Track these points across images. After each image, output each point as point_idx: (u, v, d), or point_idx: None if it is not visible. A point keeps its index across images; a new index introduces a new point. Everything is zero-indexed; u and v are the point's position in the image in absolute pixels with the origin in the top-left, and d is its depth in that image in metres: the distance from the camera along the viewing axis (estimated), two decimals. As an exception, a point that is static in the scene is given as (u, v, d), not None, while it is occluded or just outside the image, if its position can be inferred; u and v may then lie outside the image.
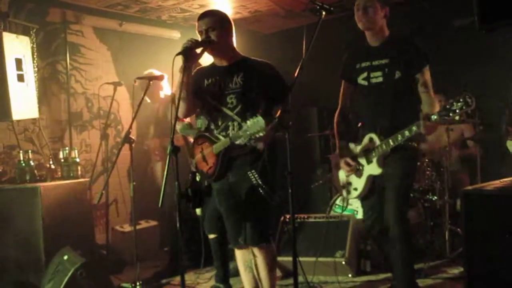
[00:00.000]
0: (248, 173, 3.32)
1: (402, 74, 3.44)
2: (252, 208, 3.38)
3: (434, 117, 3.09)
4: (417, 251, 4.73)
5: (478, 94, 5.28)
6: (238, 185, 3.40)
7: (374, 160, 3.49)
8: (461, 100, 2.95)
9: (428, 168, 5.14)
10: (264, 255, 3.44)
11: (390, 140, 3.36)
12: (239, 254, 3.62)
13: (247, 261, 3.58)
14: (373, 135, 3.50)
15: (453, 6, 5.62)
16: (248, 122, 3.09)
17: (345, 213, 4.84)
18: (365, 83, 3.60)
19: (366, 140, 3.56)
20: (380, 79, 3.52)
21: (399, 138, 3.31)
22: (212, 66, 3.57)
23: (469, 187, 2.47)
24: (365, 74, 3.59)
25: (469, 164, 5.46)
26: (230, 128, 3.37)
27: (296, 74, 2.94)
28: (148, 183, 5.62)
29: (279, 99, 3.17)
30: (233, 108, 3.39)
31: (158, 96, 5.22)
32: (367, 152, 3.54)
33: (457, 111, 2.96)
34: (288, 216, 4.17)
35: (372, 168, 3.52)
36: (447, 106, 3.00)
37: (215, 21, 3.38)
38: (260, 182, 3.31)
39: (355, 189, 3.66)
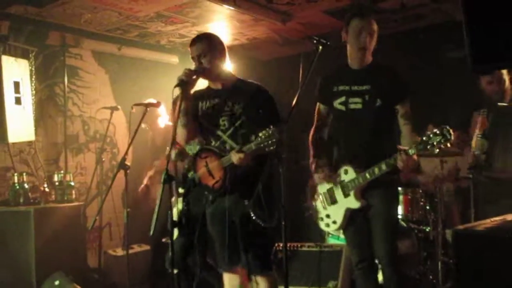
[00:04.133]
0: (244, 201, 3.31)
1: (383, 102, 3.30)
2: (252, 237, 3.38)
3: (411, 151, 3.02)
4: (410, 282, 4.73)
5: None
6: (233, 211, 3.40)
7: (351, 193, 3.33)
8: (438, 133, 2.87)
9: (422, 199, 5.16)
10: (267, 284, 3.45)
11: (367, 174, 3.24)
12: (227, 278, 3.61)
13: (235, 286, 3.58)
14: (349, 167, 3.36)
15: (448, 38, 5.69)
16: (260, 133, 3.09)
17: (339, 242, 4.83)
18: (342, 108, 3.42)
19: (342, 172, 3.40)
20: (359, 106, 3.35)
21: (376, 172, 3.20)
22: (207, 88, 3.61)
23: (460, 227, 2.48)
24: (342, 99, 3.41)
25: (462, 196, 5.47)
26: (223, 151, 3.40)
27: (292, 106, 2.97)
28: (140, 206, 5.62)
29: (270, 125, 3.11)
30: (225, 130, 3.44)
31: (156, 124, 5.24)
32: (343, 185, 3.39)
33: (435, 144, 2.88)
34: (280, 245, 4.17)
35: (350, 202, 3.36)
36: (425, 139, 2.93)
37: (206, 46, 3.43)
38: (256, 211, 3.29)
39: (334, 222, 3.48)
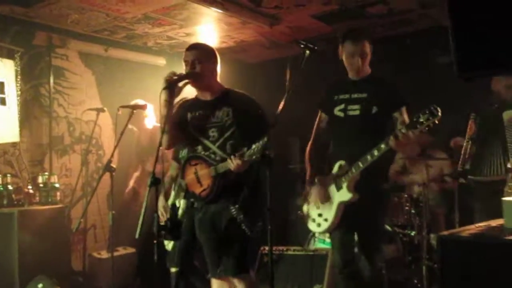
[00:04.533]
0: (230, 206, 3.32)
1: (379, 110, 3.45)
2: (231, 240, 3.37)
3: (402, 130, 3.07)
4: (395, 287, 4.75)
5: (459, 133, 5.38)
6: (219, 216, 3.39)
7: (344, 185, 3.40)
8: (426, 111, 2.95)
9: (407, 204, 5.19)
10: (244, 286, 3.41)
11: (360, 163, 3.30)
12: (215, 284, 3.59)
13: None
14: (342, 162, 3.45)
15: (435, 43, 5.72)
16: (253, 145, 3.09)
17: (324, 246, 4.84)
18: (341, 114, 3.57)
19: (336, 167, 3.49)
20: (357, 112, 3.50)
21: (369, 159, 3.26)
22: (196, 99, 3.61)
23: (445, 232, 2.51)
24: (342, 106, 3.57)
25: (447, 199, 5.52)
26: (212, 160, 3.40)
27: (279, 111, 2.97)
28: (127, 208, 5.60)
29: (259, 135, 3.08)
30: (214, 141, 3.43)
31: (143, 124, 5.24)
32: (336, 179, 3.46)
33: (424, 122, 2.95)
34: (266, 248, 4.17)
35: (342, 194, 3.42)
36: (414, 119, 3.01)
37: (202, 54, 3.45)
38: (241, 217, 3.31)
39: (326, 219, 3.52)
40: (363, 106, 3.48)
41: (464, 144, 4.32)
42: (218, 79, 3.59)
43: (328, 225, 3.50)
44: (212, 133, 3.44)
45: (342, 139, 3.59)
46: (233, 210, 3.32)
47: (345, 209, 3.44)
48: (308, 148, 3.76)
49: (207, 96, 3.53)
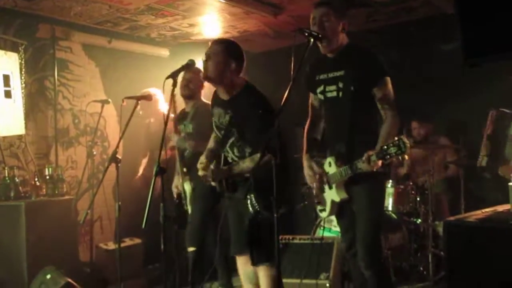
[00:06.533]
0: (247, 196, 3.34)
1: (357, 88, 3.17)
2: (256, 228, 3.42)
3: (373, 158, 2.95)
4: (401, 274, 4.77)
5: (464, 121, 5.39)
6: (243, 204, 3.44)
7: (333, 186, 3.28)
8: (395, 144, 2.84)
9: (412, 192, 5.19)
10: (267, 273, 3.48)
11: (343, 171, 3.19)
12: (240, 261, 3.70)
13: (248, 272, 3.65)
14: (331, 160, 3.29)
15: (439, 31, 5.71)
16: (245, 159, 3.27)
17: (330, 234, 4.85)
18: (321, 97, 3.37)
19: (326, 164, 3.35)
20: (335, 94, 3.27)
21: (349, 172, 3.14)
22: (217, 96, 3.64)
23: (451, 218, 2.50)
24: (321, 88, 3.35)
25: (452, 186, 5.53)
26: (229, 157, 3.53)
27: (284, 100, 2.93)
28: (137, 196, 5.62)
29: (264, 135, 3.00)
30: (225, 142, 3.54)
31: (157, 109, 5.24)
32: (328, 177, 3.33)
33: (393, 154, 2.85)
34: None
35: (333, 194, 3.31)
36: (384, 147, 2.89)
37: (215, 49, 3.46)
38: (257, 207, 3.33)
39: (324, 210, 3.46)
40: (340, 86, 3.23)
41: (483, 141, 4.26)
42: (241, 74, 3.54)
43: (326, 215, 3.46)
44: (223, 133, 3.54)
45: (328, 126, 3.44)
46: (249, 199, 3.35)
47: (340, 204, 3.34)
48: (306, 128, 3.58)
49: (223, 95, 3.54)
